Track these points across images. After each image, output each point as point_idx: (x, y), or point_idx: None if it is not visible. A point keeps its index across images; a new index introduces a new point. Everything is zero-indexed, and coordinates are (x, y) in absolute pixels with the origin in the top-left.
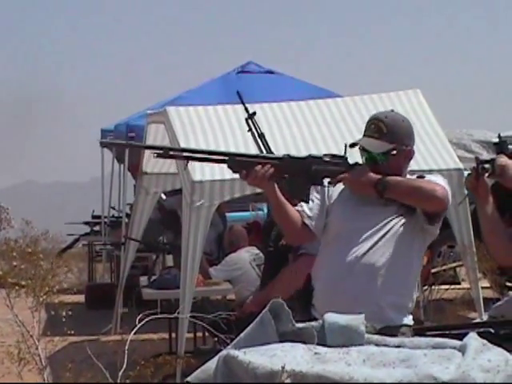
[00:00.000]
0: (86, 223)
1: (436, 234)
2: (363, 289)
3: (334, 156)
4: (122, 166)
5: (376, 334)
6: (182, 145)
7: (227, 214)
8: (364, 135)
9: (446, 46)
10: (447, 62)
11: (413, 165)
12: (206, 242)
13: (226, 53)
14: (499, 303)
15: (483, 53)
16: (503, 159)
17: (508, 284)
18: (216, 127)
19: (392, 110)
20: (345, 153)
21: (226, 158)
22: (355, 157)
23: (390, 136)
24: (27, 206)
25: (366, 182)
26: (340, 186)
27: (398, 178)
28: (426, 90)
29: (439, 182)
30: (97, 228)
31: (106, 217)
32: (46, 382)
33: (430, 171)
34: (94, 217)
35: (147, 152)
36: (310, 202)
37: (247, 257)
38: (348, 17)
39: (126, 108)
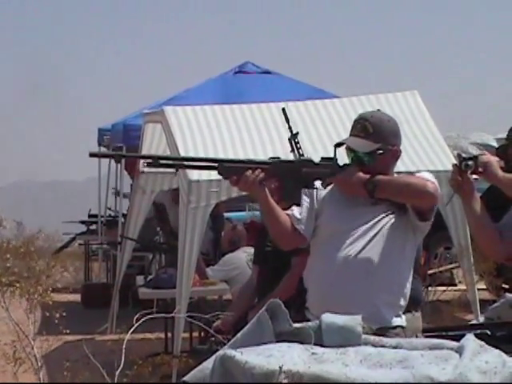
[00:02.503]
0: (83, 222)
1: (426, 231)
2: (357, 289)
3: (323, 158)
4: (118, 165)
5: (373, 334)
6: (179, 144)
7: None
8: (350, 135)
9: (445, 47)
10: (445, 64)
11: (410, 166)
12: (202, 242)
13: (223, 52)
14: (496, 305)
15: (482, 54)
16: (486, 156)
17: (504, 286)
18: (213, 127)
19: (378, 110)
20: (334, 154)
21: (216, 164)
22: (345, 158)
23: (375, 135)
24: (24, 204)
25: (355, 182)
26: (329, 187)
27: (388, 177)
28: (424, 91)
29: (428, 178)
30: (93, 227)
31: (102, 216)
32: (42, 381)
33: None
34: (90, 216)
35: (144, 151)
36: (300, 205)
37: (244, 257)
38: (346, 17)
39: (123, 107)
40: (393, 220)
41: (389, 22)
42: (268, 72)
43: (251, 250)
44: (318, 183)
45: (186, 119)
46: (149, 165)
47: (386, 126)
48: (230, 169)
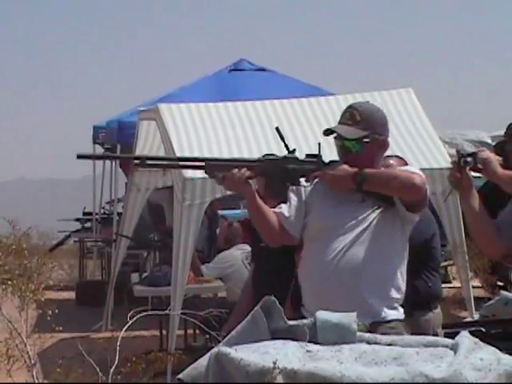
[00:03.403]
0: (78, 220)
1: (415, 222)
2: (349, 285)
3: (308, 155)
4: (113, 163)
5: (368, 331)
6: (174, 141)
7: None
8: (339, 123)
9: (440, 44)
10: (440, 61)
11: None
12: (197, 240)
13: (218, 50)
14: (490, 302)
15: (477, 52)
16: (485, 153)
17: (499, 283)
18: (208, 124)
19: (368, 102)
20: (319, 151)
21: (203, 163)
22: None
23: (363, 123)
24: (19, 202)
25: (343, 176)
26: (317, 186)
27: (375, 170)
28: (419, 89)
29: (415, 171)
30: (88, 225)
31: (97, 214)
32: (35, 379)
33: (422, 170)
34: (85, 213)
35: (139, 149)
36: (288, 203)
37: (239, 254)
38: (341, 14)
39: (117, 105)
40: (381, 215)
41: (384, 19)
42: (263, 69)
43: (246, 247)
44: (303, 180)
45: (180, 117)
46: (136, 165)
47: (374, 116)
48: (216, 167)
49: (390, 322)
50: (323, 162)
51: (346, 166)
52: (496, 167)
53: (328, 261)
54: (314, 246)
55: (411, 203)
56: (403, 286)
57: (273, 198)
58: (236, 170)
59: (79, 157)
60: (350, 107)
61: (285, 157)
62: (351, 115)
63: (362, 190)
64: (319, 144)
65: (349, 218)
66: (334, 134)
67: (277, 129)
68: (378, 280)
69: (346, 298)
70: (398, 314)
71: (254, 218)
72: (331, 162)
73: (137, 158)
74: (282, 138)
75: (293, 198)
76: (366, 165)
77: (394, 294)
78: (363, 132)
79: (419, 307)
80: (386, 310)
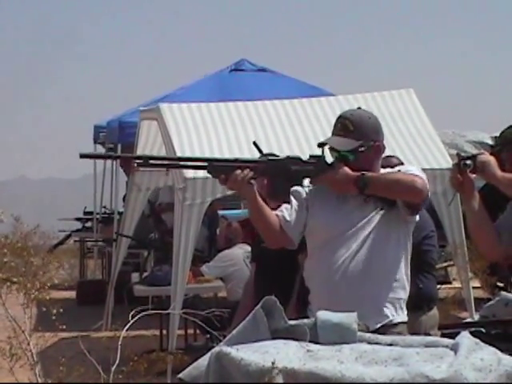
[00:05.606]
0: (78, 219)
1: (416, 221)
2: (359, 290)
3: (311, 156)
4: (114, 162)
5: (369, 332)
6: (175, 141)
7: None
8: (332, 134)
9: (441, 45)
10: (441, 62)
11: (405, 164)
12: (197, 240)
13: (219, 50)
14: (490, 303)
15: (479, 51)
16: (484, 156)
17: (499, 284)
18: (208, 124)
19: (359, 108)
20: (322, 152)
21: (206, 163)
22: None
23: (356, 133)
24: (19, 201)
25: (346, 180)
26: (318, 188)
27: (377, 174)
28: (420, 89)
29: (417, 173)
30: (88, 224)
31: (97, 213)
32: (38, 377)
33: (423, 170)
34: (85, 213)
35: (140, 148)
36: (289, 207)
37: (241, 254)
38: (342, 15)
39: (118, 104)
40: (384, 217)
41: (386, 19)
42: (264, 70)
43: (247, 247)
44: (306, 181)
45: (181, 116)
46: (139, 165)
47: (367, 123)
48: (220, 168)
49: (397, 325)
50: (326, 162)
51: (347, 170)
52: (495, 170)
53: (336, 269)
54: (321, 253)
55: (411, 205)
56: (408, 286)
57: (275, 198)
58: (239, 171)
59: (82, 156)
60: (341, 117)
61: (288, 157)
62: (343, 126)
63: (365, 194)
64: (322, 144)
65: (353, 223)
66: (329, 145)
67: (254, 143)
68: (387, 282)
69: (357, 303)
70: (403, 315)
71: (255, 219)
72: (334, 162)
73: (139, 158)
74: (260, 151)
75: (294, 200)
76: (365, 170)
77: (401, 295)
78: (357, 142)
79: (410, 309)
80: (394, 312)
